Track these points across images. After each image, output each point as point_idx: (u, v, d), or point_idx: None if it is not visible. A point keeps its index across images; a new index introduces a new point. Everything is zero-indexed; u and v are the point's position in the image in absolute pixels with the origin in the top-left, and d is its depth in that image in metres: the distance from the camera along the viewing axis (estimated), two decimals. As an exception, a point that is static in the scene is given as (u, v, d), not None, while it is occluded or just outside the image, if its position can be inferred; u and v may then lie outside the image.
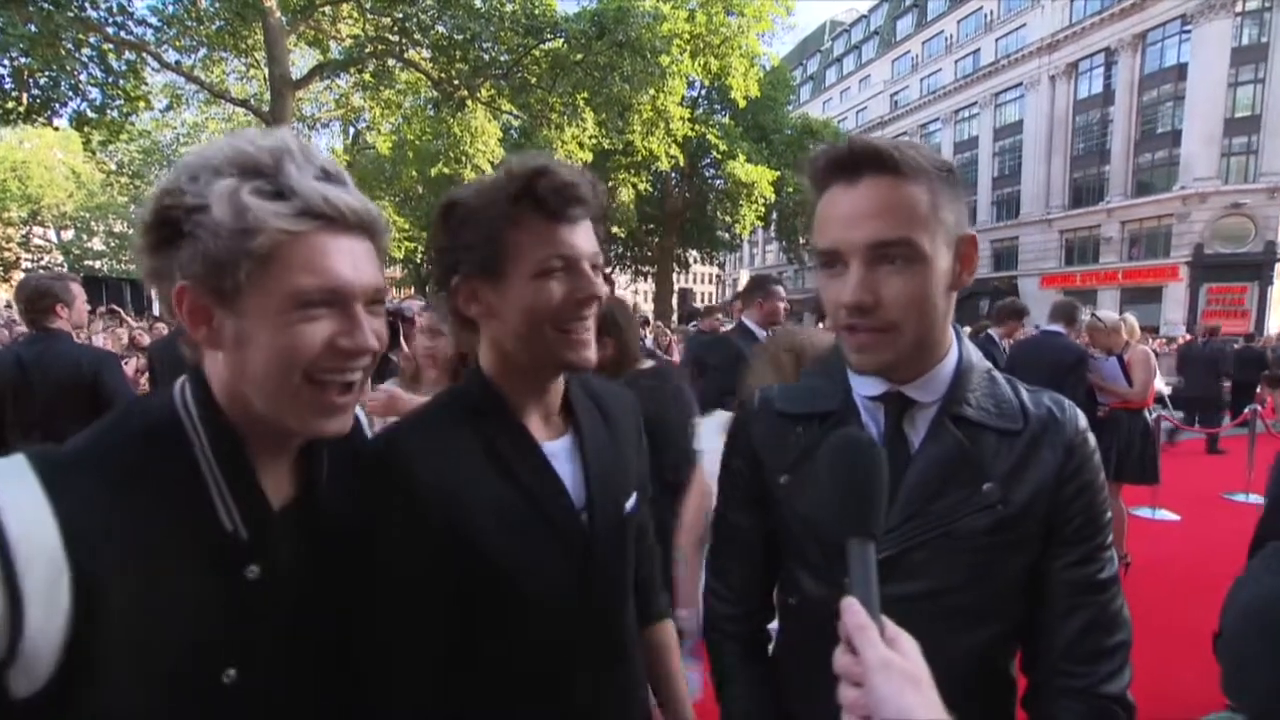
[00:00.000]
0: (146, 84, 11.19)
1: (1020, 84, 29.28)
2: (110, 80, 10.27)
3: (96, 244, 32.48)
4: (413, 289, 27.62)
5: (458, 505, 0.79)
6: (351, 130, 19.58)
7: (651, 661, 1.08)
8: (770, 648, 1.00)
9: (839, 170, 0.75)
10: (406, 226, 23.76)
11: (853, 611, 0.55)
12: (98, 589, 0.52)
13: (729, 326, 3.91)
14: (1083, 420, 0.81)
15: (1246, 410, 6.48)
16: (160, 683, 0.56)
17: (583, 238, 0.83)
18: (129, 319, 9.30)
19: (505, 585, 0.82)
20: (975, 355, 0.84)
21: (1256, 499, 5.65)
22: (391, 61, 12.39)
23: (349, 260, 0.64)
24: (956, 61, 33.86)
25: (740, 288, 3.62)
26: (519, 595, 0.83)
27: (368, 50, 11.69)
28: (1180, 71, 23.50)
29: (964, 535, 0.76)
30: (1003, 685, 0.84)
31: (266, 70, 11.55)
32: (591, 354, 0.86)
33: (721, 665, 0.97)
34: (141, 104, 10.97)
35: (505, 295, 0.82)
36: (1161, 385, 6.84)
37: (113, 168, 18.51)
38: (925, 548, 0.77)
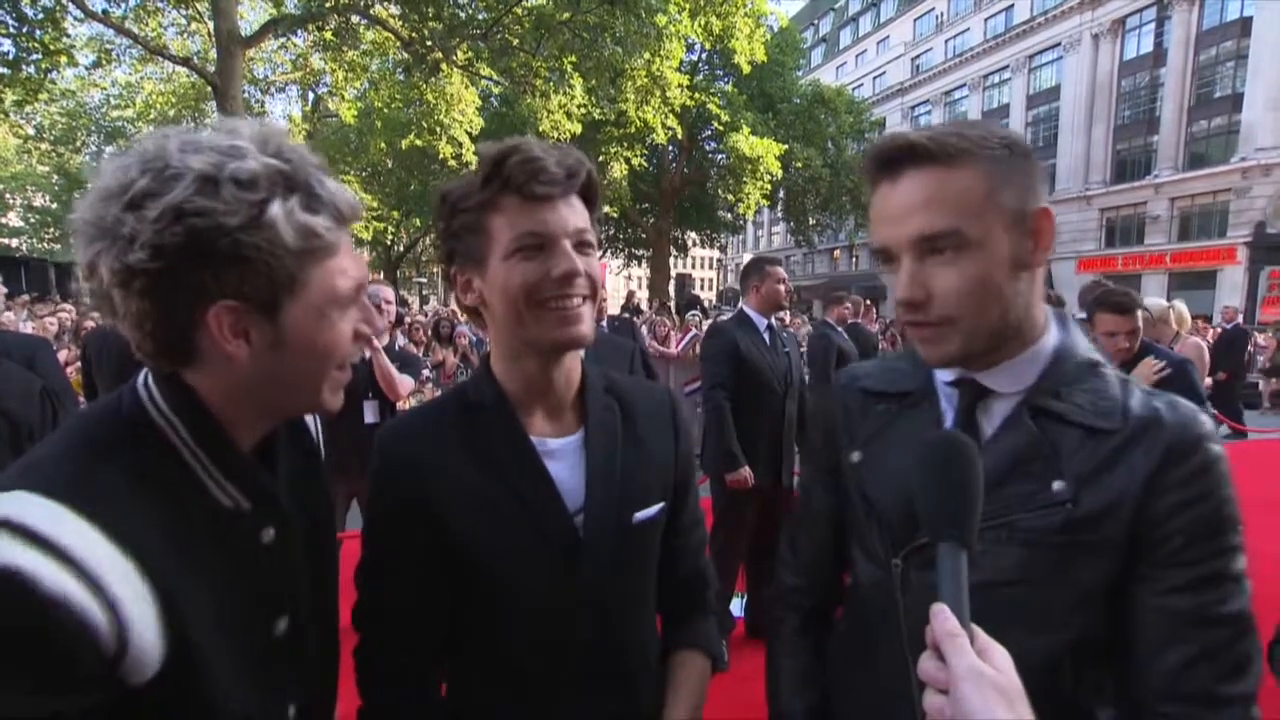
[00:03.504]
0: (68, 36, 11.02)
1: (1058, 44, 29.38)
2: (25, 31, 10.07)
3: (13, 219, 32.11)
4: (381, 273, 27.50)
5: (438, 499, 0.91)
6: (311, 95, 19.33)
7: (665, 689, 1.05)
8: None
9: (881, 167, 0.81)
10: (375, 205, 23.41)
11: (943, 617, 0.58)
12: (168, 585, 0.62)
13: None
14: (1204, 427, 0.77)
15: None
16: (233, 648, 0.69)
17: (561, 214, 0.89)
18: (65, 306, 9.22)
19: (490, 582, 0.92)
20: (1080, 346, 0.85)
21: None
22: (355, 18, 12.26)
23: (354, 256, 0.76)
24: (986, 20, 33.96)
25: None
26: (503, 592, 0.93)
27: (328, 5, 11.54)
28: (1243, 26, 23.10)
29: (1027, 531, 0.79)
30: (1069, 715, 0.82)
31: (211, 24, 11.43)
32: (583, 329, 0.91)
33: (776, 633, 1.07)
34: (63, 59, 10.82)
35: (488, 280, 0.90)
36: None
37: (30, 132, 18.24)
38: (982, 538, 0.78)
